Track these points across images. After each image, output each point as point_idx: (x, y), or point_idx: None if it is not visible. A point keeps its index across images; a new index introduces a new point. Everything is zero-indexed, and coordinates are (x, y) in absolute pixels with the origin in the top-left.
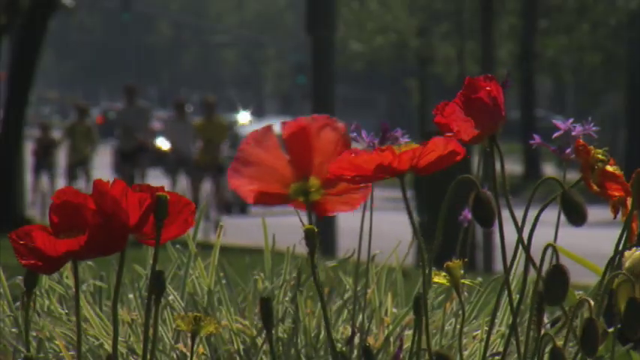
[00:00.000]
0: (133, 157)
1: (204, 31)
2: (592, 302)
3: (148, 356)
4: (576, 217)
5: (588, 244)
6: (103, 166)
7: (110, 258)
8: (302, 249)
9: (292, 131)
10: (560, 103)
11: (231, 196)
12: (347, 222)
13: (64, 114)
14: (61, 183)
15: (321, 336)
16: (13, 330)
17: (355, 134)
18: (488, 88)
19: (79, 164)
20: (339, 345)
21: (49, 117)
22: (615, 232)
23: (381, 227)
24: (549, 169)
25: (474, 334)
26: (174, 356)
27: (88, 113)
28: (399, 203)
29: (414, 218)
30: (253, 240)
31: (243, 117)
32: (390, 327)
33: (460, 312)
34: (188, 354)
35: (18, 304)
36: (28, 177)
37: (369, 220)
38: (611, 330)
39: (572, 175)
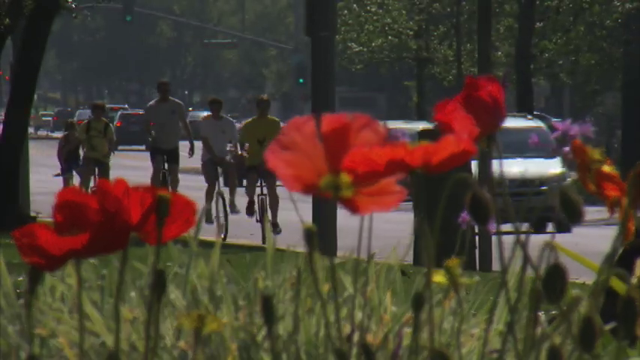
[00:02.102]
0: (169, 157)
1: (205, 32)
2: (588, 299)
3: (149, 355)
4: (573, 215)
5: (589, 244)
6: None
7: (112, 256)
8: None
9: (332, 126)
10: (556, 103)
11: None
12: (346, 221)
13: (67, 114)
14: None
15: (321, 334)
16: (16, 328)
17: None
18: (489, 87)
19: (95, 161)
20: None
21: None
22: (614, 232)
23: (382, 226)
24: None
25: (472, 332)
26: (175, 354)
27: (104, 110)
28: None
29: (419, 217)
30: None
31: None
32: (389, 325)
33: (458, 310)
34: (189, 352)
35: (21, 301)
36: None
37: (368, 219)
38: (608, 327)
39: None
